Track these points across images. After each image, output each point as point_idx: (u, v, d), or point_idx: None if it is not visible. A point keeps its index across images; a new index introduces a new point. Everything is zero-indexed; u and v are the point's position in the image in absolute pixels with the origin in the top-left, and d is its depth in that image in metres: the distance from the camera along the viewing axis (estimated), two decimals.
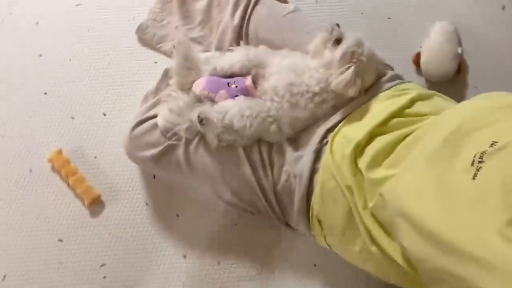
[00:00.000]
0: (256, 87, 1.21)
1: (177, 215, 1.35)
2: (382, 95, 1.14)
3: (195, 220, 1.34)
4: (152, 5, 1.52)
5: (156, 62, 1.49)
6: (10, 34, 1.51)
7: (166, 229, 1.34)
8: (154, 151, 1.19)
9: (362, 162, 1.02)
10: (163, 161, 1.20)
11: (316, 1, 1.61)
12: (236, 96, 1.18)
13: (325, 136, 1.14)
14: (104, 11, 1.56)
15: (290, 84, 1.14)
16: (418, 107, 1.09)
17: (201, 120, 1.11)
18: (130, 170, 1.37)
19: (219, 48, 1.34)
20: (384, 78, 1.18)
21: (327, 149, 1.10)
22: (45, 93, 1.45)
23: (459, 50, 1.43)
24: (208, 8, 1.39)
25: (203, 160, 1.18)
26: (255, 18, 1.32)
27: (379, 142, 1.03)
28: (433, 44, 1.46)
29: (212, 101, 1.19)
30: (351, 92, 1.11)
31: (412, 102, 1.09)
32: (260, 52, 1.23)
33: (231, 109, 1.14)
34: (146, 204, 1.35)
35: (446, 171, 0.79)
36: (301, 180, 1.12)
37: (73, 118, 1.43)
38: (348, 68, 1.10)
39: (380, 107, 1.11)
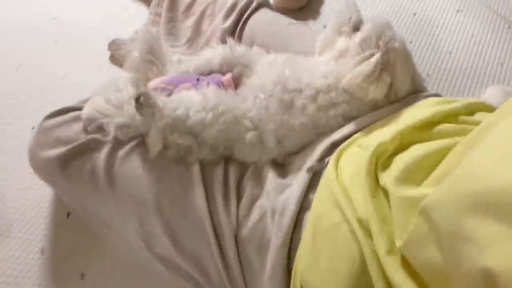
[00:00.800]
0: (235, 88, 0.84)
1: (83, 276, 0.85)
2: (423, 102, 0.74)
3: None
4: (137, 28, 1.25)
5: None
6: None
7: None
8: (63, 149, 0.78)
9: (388, 176, 0.58)
10: (74, 165, 0.77)
11: None
12: None
13: (329, 151, 0.72)
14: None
15: (284, 77, 0.77)
16: (482, 117, 0.67)
17: (138, 99, 0.71)
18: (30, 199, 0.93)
19: None
20: (424, 94, 0.79)
21: (329, 165, 0.67)
22: None
23: None
24: (199, 20, 1.10)
25: (132, 174, 0.75)
26: (253, 22, 1.01)
27: (418, 150, 0.61)
28: None
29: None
30: (374, 91, 0.72)
31: (471, 109, 0.69)
32: (251, 50, 0.88)
33: (191, 98, 0.75)
34: (42, 250, 0.87)
35: None
36: (282, 218, 0.67)
37: None
38: (371, 56, 0.73)
39: (421, 110, 0.70)
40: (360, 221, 0.58)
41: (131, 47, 1.19)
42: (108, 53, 1.22)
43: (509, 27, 1.35)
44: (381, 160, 0.61)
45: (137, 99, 0.71)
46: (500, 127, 0.44)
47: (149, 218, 0.74)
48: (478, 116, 0.67)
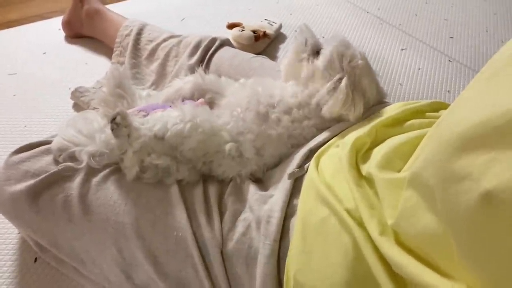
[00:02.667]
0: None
1: None
2: (389, 106, 0.77)
3: None
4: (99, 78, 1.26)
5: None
6: None
7: None
8: (32, 181, 0.74)
9: (369, 165, 0.60)
10: (45, 197, 0.74)
11: None
12: None
13: (307, 158, 0.73)
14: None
15: (258, 93, 0.79)
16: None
17: (114, 119, 0.71)
18: None
19: None
20: (388, 103, 0.83)
21: (310, 168, 0.68)
22: None
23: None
24: (164, 63, 1.13)
25: (108, 200, 0.73)
26: (218, 58, 1.05)
27: (394, 140, 0.64)
28: None
29: None
30: (354, 114, 0.76)
31: (435, 107, 0.73)
32: (220, 78, 0.91)
33: (168, 114, 0.76)
34: None
35: None
36: (268, 226, 0.66)
37: None
38: (339, 81, 0.77)
39: (390, 110, 0.73)
40: (348, 211, 0.58)
41: (95, 93, 1.19)
42: (69, 104, 1.21)
43: (450, 61, 1.48)
44: (360, 154, 0.63)
45: (113, 119, 0.71)
46: (470, 85, 0.47)
47: (128, 245, 0.70)
48: (442, 113, 0.72)
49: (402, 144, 0.61)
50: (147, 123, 0.73)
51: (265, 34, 1.43)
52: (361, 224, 0.56)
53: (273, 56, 1.42)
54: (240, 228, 0.69)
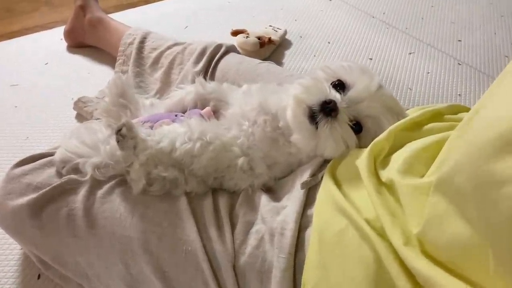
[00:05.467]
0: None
1: None
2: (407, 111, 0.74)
3: None
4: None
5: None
6: None
7: None
8: (35, 195, 0.71)
9: (389, 171, 0.57)
10: (48, 211, 0.71)
11: None
12: None
13: (320, 167, 0.70)
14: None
15: (264, 102, 0.76)
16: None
17: (120, 130, 0.68)
18: None
19: None
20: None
21: (325, 176, 0.65)
22: None
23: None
24: (168, 71, 1.11)
25: (114, 213, 0.70)
26: (224, 64, 1.02)
27: (415, 144, 0.60)
28: None
29: None
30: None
31: (454, 110, 0.70)
32: (221, 86, 0.88)
33: (174, 130, 0.72)
34: None
35: None
36: (282, 239, 0.62)
37: None
38: None
39: (409, 113, 0.70)
40: (368, 221, 0.55)
41: (98, 103, 1.17)
42: (72, 115, 1.19)
43: (459, 64, 1.45)
44: (378, 160, 0.60)
45: (118, 130, 0.68)
46: (498, 81, 0.44)
47: (135, 259, 0.67)
48: (462, 115, 0.69)
49: (424, 148, 0.58)
50: (154, 136, 0.70)
51: (270, 40, 1.40)
52: (382, 235, 0.53)
53: (279, 62, 1.39)
54: (252, 240, 0.65)
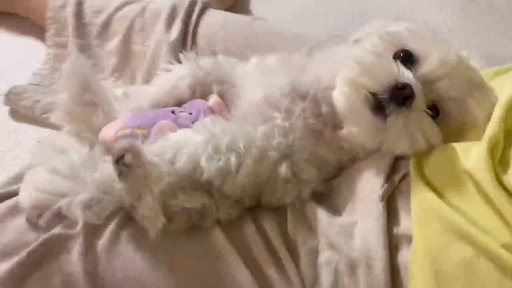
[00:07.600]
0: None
1: None
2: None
3: None
4: (35, 70, 0.95)
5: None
6: None
7: None
8: (8, 263, 0.49)
9: None
10: (33, 281, 0.49)
11: None
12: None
13: (394, 167, 0.54)
14: None
15: (294, 81, 0.57)
16: None
17: (120, 158, 0.46)
18: None
19: (148, 80, 0.77)
20: None
21: (415, 182, 0.50)
22: None
23: None
24: (126, 39, 0.86)
25: (129, 271, 0.50)
26: (207, 28, 0.80)
27: None
28: None
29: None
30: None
31: None
32: (219, 61, 0.67)
33: (189, 139, 0.52)
34: None
35: None
36: (371, 272, 0.48)
37: None
38: None
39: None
40: (507, 248, 0.41)
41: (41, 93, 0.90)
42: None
43: None
44: (496, 159, 0.46)
45: (118, 159, 0.47)
46: None
47: None
48: None
49: None
50: (166, 154, 0.50)
51: None
52: None
53: (247, 10, 1.17)
54: (327, 277, 0.50)
